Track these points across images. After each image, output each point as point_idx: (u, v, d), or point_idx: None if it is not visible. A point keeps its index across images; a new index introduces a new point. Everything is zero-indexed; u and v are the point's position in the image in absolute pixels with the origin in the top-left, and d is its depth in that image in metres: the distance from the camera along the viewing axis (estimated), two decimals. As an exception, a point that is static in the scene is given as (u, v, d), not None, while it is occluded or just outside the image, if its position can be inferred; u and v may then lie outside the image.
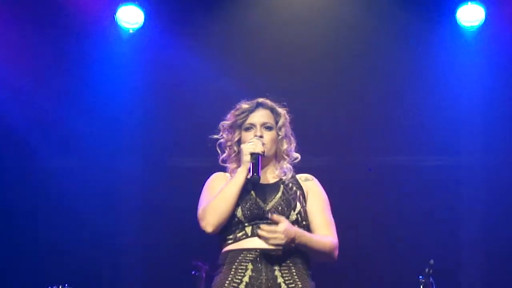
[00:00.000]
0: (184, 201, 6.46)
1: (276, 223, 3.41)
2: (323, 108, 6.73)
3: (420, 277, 5.37)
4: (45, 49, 6.83)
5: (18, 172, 6.90)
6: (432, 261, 5.31)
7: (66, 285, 5.78)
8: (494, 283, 6.73)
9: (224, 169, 3.75)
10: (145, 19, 6.91)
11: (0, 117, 6.85)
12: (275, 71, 6.72)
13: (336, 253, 3.57)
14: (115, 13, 6.87)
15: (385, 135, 6.89)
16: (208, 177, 3.74)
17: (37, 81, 6.83)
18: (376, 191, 6.85)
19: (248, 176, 3.53)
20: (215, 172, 3.76)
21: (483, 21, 6.76)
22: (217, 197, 3.52)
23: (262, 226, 3.41)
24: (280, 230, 3.37)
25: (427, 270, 5.33)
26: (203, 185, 3.72)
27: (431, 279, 5.34)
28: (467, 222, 6.89)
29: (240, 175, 3.53)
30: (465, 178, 6.92)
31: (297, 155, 3.73)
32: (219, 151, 3.75)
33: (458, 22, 6.80)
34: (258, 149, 3.53)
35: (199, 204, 3.62)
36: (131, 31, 6.95)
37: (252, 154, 3.52)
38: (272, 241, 3.39)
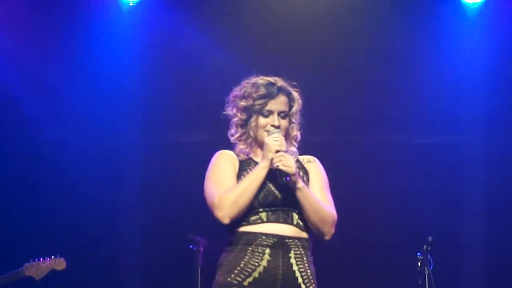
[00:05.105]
0: (184, 175, 6.52)
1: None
2: (323, 86, 6.70)
3: (418, 254, 5.37)
4: (46, 22, 6.80)
5: (20, 143, 6.90)
6: (430, 238, 5.30)
7: (58, 256, 5.79)
8: (493, 260, 6.75)
9: (227, 146, 3.70)
10: (145, -8, 6.89)
11: (1, 87, 6.83)
12: (276, 47, 6.69)
13: (333, 228, 3.57)
14: (115, -14, 6.85)
15: (386, 113, 6.88)
16: (210, 153, 3.67)
17: (38, 53, 6.82)
18: (376, 168, 6.84)
19: (277, 179, 3.49)
20: (214, 147, 3.71)
21: (486, -2, 6.75)
22: (237, 190, 3.47)
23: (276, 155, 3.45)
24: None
25: (425, 247, 5.33)
26: (205, 160, 3.68)
27: (429, 256, 5.33)
28: (467, 200, 6.89)
29: (263, 170, 3.49)
30: (466, 156, 6.91)
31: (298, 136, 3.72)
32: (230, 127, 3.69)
33: (460, -1, 6.79)
34: (283, 147, 3.51)
35: (208, 184, 3.56)
36: (131, 4, 6.92)
37: (277, 151, 3.49)
38: (284, 162, 3.43)
